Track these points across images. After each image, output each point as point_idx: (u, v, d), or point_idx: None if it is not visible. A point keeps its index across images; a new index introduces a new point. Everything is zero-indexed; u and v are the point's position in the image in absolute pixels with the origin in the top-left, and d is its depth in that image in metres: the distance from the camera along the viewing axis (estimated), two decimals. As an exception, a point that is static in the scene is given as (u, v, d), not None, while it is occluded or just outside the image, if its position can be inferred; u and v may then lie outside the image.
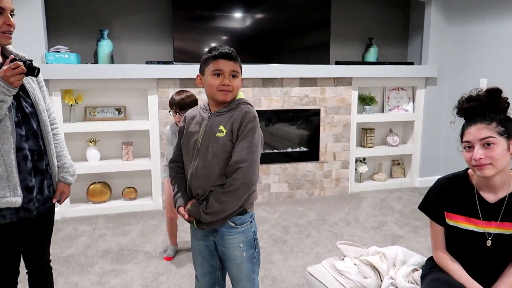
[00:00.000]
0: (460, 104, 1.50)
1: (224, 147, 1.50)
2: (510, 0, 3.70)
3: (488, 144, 1.40)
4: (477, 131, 1.42)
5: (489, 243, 1.48)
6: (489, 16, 3.96)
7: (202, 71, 1.56)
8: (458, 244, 1.57)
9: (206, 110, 1.59)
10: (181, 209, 1.57)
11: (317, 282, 1.84)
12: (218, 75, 1.50)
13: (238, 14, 3.95)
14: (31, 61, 1.51)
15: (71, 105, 3.57)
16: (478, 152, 1.41)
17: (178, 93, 2.66)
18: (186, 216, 1.56)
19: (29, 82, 1.61)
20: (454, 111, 1.53)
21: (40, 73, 1.57)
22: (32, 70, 1.50)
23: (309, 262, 2.77)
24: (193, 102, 2.64)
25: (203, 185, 1.52)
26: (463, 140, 1.48)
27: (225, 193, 1.47)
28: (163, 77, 3.65)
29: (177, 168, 1.67)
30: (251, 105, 1.58)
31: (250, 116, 1.50)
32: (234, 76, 1.52)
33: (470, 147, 1.45)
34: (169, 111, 2.68)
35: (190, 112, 1.67)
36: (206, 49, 3.84)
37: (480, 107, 1.45)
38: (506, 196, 1.47)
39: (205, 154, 1.52)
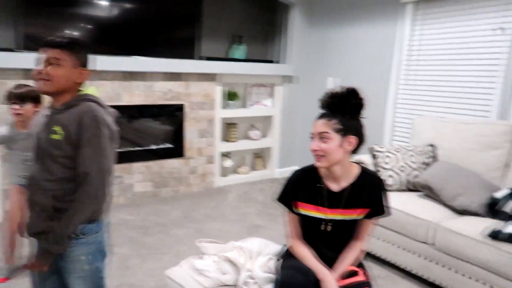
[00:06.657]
0: (324, 98, 1.62)
1: (63, 152, 1.33)
2: (362, 8, 4.14)
3: (323, 138, 1.57)
4: (319, 125, 1.58)
5: (329, 228, 1.66)
6: (344, 22, 4.38)
7: None
8: (307, 230, 1.72)
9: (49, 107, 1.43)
10: None
11: (175, 285, 1.82)
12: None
13: (100, 1, 3.63)
14: None
15: None
16: (315, 143, 1.59)
17: (19, 87, 2.35)
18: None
19: None
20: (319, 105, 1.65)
21: None
22: None
23: (168, 262, 2.68)
24: (38, 96, 2.37)
25: (45, 195, 1.34)
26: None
27: (70, 215, 1.32)
28: (1, 67, 3.16)
29: None
30: (96, 102, 1.40)
31: (88, 117, 1.33)
32: (52, 64, 1.35)
33: (312, 138, 1.61)
34: (7, 103, 2.34)
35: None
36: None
37: (336, 104, 1.58)
38: (348, 185, 1.66)
39: (44, 158, 1.34)
